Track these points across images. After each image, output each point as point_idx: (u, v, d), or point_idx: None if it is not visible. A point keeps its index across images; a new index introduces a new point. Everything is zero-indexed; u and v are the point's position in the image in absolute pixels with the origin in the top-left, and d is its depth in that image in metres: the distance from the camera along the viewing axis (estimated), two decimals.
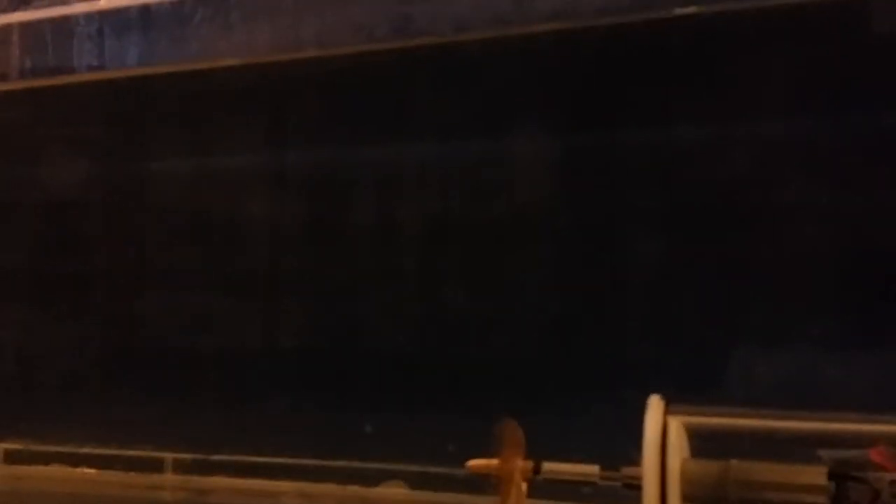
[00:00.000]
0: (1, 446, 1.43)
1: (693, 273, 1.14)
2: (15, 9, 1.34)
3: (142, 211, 1.45)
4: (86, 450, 1.39)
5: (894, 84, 1.04)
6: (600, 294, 1.18)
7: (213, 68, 1.25)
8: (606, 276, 1.18)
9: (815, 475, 0.72)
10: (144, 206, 1.45)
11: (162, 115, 1.42)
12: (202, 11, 1.21)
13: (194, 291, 1.39)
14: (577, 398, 1.14)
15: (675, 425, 0.76)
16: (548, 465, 0.81)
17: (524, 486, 0.81)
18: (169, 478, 1.33)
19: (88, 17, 1.29)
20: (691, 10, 1.03)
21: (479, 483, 0.85)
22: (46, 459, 1.41)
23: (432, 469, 1.18)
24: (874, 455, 0.72)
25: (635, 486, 0.75)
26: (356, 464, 1.23)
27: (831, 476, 0.72)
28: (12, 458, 1.42)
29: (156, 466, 1.34)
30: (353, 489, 1.24)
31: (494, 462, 0.81)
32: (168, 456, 1.34)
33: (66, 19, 1.30)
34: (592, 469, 0.80)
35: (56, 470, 1.40)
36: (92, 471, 1.38)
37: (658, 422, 0.75)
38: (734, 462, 0.75)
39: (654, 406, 0.77)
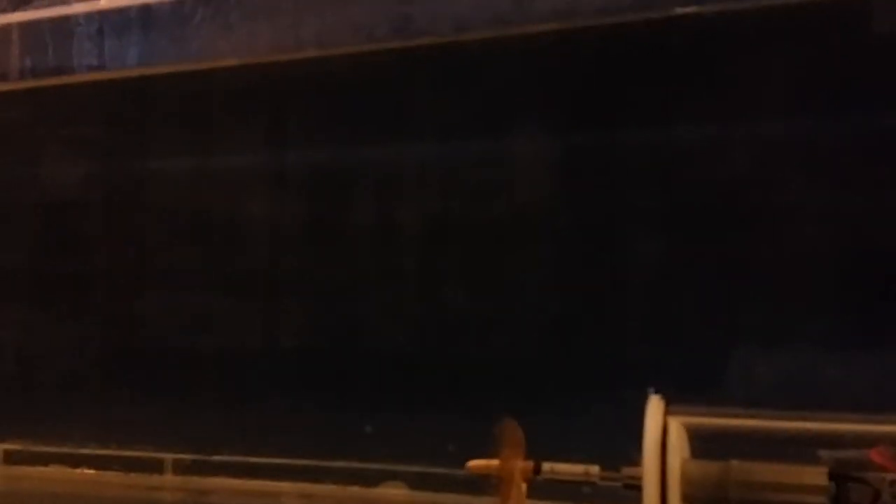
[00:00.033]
0: (0, 447, 1.43)
1: (693, 273, 1.14)
2: (15, 9, 1.34)
3: (142, 211, 1.45)
4: (85, 450, 1.38)
5: (894, 84, 1.04)
6: (600, 294, 1.18)
7: (213, 68, 1.25)
8: (606, 276, 1.18)
9: (816, 476, 0.72)
10: (144, 206, 1.45)
11: (162, 115, 1.42)
12: (202, 11, 1.21)
13: (194, 291, 1.39)
14: (577, 398, 1.14)
15: (676, 426, 0.76)
16: (548, 466, 0.81)
17: (524, 486, 0.81)
18: (169, 478, 1.33)
19: (88, 17, 1.29)
20: (691, 10, 1.03)
21: (480, 483, 0.85)
22: (46, 460, 1.41)
23: (432, 469, 1.18)
24: (874, 455, 0.72)
25: (636, 487, 0.76)
26: (356, 464, 1.23)
27: (832, 476, 0.72)
28: (12, 458, 1.42)
29: (155, 467, 1.34)
30: (353, 490, 1.23)
31: (495, 462, 0.81)
32: (168, 456, 1.34)
33: (66, 19, 1.30)
34: (593, 469, 0.80)
35: (56, 471, 1.40)
36: (91, 471, 1.38)
37: (658, 422, 0.75)
38: (734, 462, 0.75)
39: (655, 406, 0.77)
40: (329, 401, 1.28)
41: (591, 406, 1.11)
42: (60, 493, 1.38)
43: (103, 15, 1.28)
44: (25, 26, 1.32)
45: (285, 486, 1.26)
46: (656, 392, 0.78)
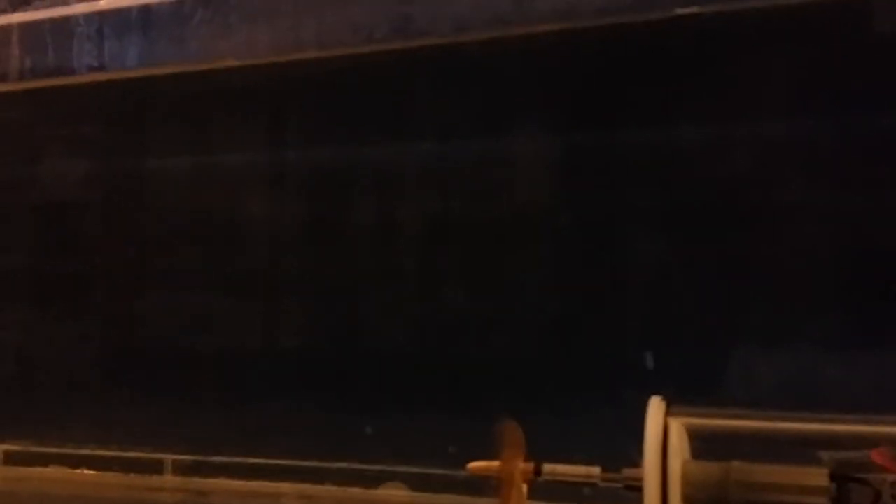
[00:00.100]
0: (0, 447, 1.43)
1: (693, 273, 1.14)
2: (15, 9, 1.34)
3: (142, 211, 1.45)
4: (85, 451, 1.39)
5: (894, 84, 1.04)
6: (600, 294, 1.18)
7: (213, 68, 1.24)
8: (606, 276, 1.18)
9: (817, 476, 0.72)
10: (144, 206, 1.45)
11: (162, 116, 1.42)
12: (202, 12, 1.21)
13: (194, 291, 1.39)
14: (577, 398, 1.13)
15: (676, 427, 0.76)
16: (548, 467, 0.81)
17: (525, 487, 0.81)
18: (169, 479, 1.33)
19: (88, 17, 1.29)
20: (691, 10, 1.02)
21: (480, 485, 0.84)
22: (46, 461, 1.41)
23: (433, 470, 1.18)
24: (875, 456, 0.72)
25: (636, 488, 0.75)
26: (356, 465, 1.23)
27: (832, 477, 0.72)
28: (12, 459, 1.42)
29: (156, 468, 1.34)
30: (354, 490, 1.23)
31: (495, 464, 0.81)
32: (168, 457, 1.34)
33: (66, 19, 1.30)
34: (593, 470, 0.80)
35: (56, 471, 1.40)
36: (91, 472, 1.38)
37: (659, 423, 0.75)
38: (735, 463, 0.75)
39: (655, 407, 0.77)
40: (329, 401, 1.28)
41: (591, 406, 1.11)
42: (60, 493, 1.38)
43: (103, 15, 1.28)
44: (25, 26, 1.32)
45: (285, 486, 1.26)
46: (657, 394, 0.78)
